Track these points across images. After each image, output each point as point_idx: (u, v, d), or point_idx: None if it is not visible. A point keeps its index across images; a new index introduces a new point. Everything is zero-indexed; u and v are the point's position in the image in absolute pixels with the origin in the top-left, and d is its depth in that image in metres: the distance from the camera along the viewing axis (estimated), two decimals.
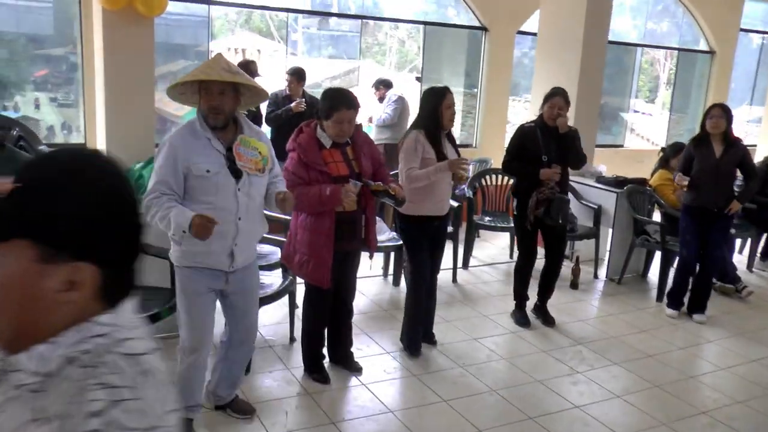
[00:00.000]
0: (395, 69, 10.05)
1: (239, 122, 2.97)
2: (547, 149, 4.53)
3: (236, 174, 2.88)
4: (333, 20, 9.23)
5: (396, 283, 5.57)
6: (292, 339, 4.33)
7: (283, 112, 6.19)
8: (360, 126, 3.64)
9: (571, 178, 5.11)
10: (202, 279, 2.96)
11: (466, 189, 6.23)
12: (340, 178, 3.43)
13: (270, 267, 4.37)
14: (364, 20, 8.70)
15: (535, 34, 7.33)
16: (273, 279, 4.22)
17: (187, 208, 2.76)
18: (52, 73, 7.02)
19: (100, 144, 4.70)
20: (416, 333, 4.26)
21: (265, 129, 5.75)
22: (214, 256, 2.92)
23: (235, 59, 6.79)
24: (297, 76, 6.35)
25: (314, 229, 3.46)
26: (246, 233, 2.96)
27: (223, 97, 2.82)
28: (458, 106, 7.62)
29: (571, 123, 4.65)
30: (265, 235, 4.42)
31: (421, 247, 4.09)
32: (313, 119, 3.58)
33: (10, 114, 6.82)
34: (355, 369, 3.93)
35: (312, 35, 9.54)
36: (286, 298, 4.25)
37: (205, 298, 3.02)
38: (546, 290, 4.93)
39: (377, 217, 5.42)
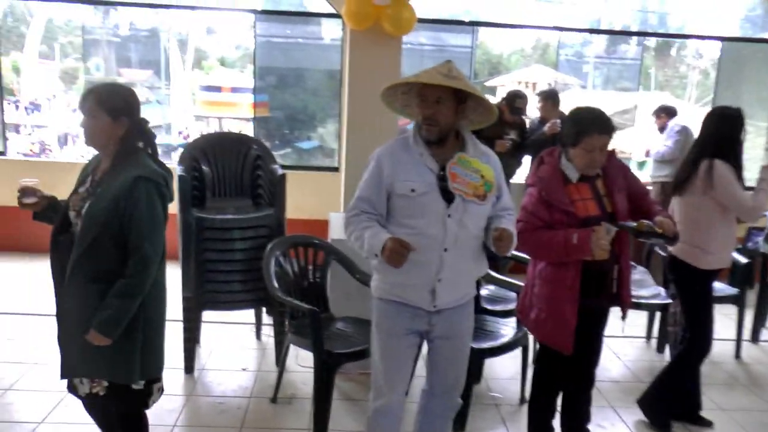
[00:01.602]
0: (695, 104, 8.95)
1: (464, 139, 2.51)
2: None
3: (448, 197, 2.42)
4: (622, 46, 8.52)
5: (660, 349, 4.59)
6: (522, 400, 3.71)
7: (537, 137, 5.63)
8: (613, 152, 2.93)
9: None
10: (400, 317, 2.53)
11: (761, 242, 4.99)
12: (590, 219, 2.76)
13: (505, 314, 3.83)
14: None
15: None
16: (506, 328, 3.65)
17: (384, 230, 2.40)
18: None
19: (343, 166, 4.60)
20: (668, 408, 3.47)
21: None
22: (413, 290, 2.48)
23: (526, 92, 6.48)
24: (551, 99, 5.77)
25: (555, 280, 2.83)
26: (453, 268, 2.46)
27: (438, 106, 2.39)
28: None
29: None
30: (501, 277, 3.98)
31: (710, 308, 3.36)
32: (556, 147, 2.96)
33: (305, 144, 7.34)
34: None
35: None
36: (518, 351, 3.65)
37: (401, 340, 2.57)
38: None
39: (642, 268, 4.58)
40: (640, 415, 3.58)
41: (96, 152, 2.48)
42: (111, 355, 2.33)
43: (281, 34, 8.20)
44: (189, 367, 3.86)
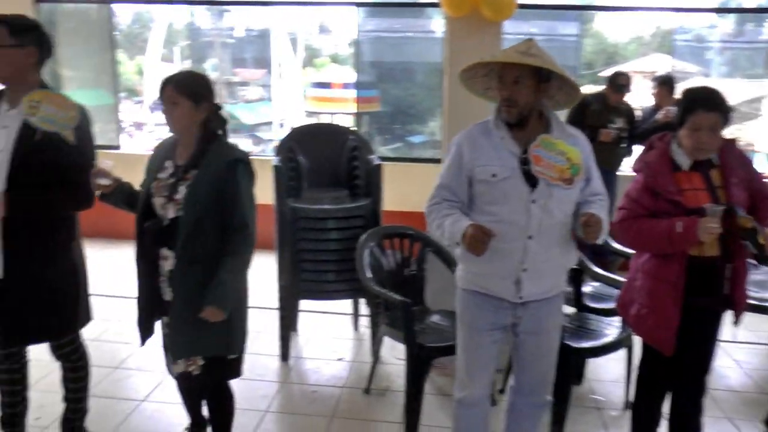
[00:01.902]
0: None
1: (548, 120, 2.37)
2: None
3: (532, 182, 2.28)
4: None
5: None
6: (626, 404, 3.47)
7: (649, 125, 5.28)
8: (733, 141, 2.66)
9: None
10: (483, 310, 2.43)
11: None
12: (698, 211, 2.51)
13: (608, 312, 3.61)
14: None
15: None
16: (610, 327, 3.44)
17: (465, 217, 2.31)
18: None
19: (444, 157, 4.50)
20: None
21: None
22: (496, 280, 2.37)
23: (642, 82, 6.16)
24: (666, 85, 5.39)
25: (657, 275, 2.61)
26: (539, 257, 2.32)
27: (517, 86, 2.27)
28: None
29: None
30: (606, 274, 3.75)
31: None
32: (667, 132, 2.73)
33: (416, 138, 7.36)
34: None
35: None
36: (624, 353, 3.42)
37: (484, 335, 2.46)
38: None
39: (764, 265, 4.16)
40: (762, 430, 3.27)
41: (160, 139, 2.61)
42: (220, 330, 2.43)
43: (390, 28, 8.24)
44: (284, 354, 3.92)
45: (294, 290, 3.84)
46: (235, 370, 2.61)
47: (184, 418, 2.91)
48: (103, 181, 2.47)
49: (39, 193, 2.52)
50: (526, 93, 2.28)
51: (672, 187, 2.55)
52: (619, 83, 5.32)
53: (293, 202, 3.80)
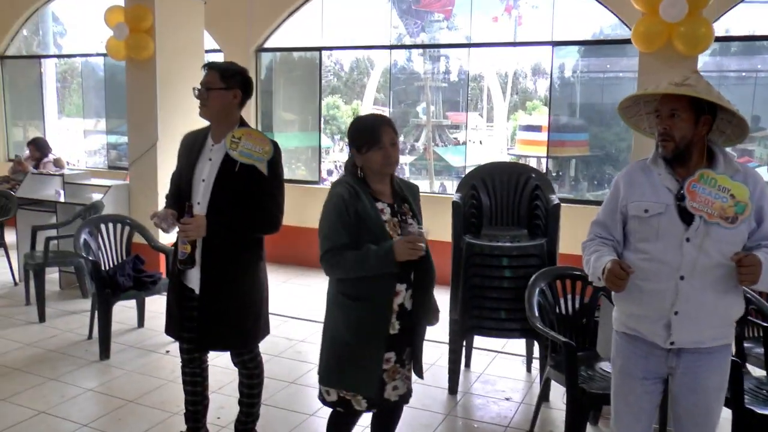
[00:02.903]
0: None
1: (715, 155, 2.21)
2: None
3: (687, 219, 2.14)
4: None
5: None
6: None
7: None
8: None
9: None
10: (635, 355, 2.31)
11: None
12: None
13: None
14: None
15: None
16: None
17: (612, 254, 2.25)
18: None
19: None
20: None
21: None
22: (646, 322, 2.25)
23: None
24: None
25: None
26: (692, 300, 2.15)
27: (673, 120, 2.16)
28: None
29: None
30: None
31: None
32: None
33: None
34: None
35: None
36: None
37: (636, 382, 2.32)
38: None
39: None
40: None
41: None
42: None
43: (599, 68, 8.08)
44: (453, 388, 3.96)
45: (464, 325, 3.90)
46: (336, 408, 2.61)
47: None
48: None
49: (235, 217, 2.89)
50: (682, 126, 2.18)
51: None
52: None
53: (469, 239, 3.88)
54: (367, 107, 9.94)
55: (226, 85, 2.93)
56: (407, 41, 9.33)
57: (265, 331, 3.14)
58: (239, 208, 2.89)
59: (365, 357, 2.45)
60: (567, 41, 6.71)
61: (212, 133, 2.99)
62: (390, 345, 2.48)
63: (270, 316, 3.16)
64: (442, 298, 3.94)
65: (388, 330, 2.45)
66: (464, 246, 3.83)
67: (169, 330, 3.15)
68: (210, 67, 2.97)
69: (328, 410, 2.61)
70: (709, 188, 2.12)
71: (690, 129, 2.18)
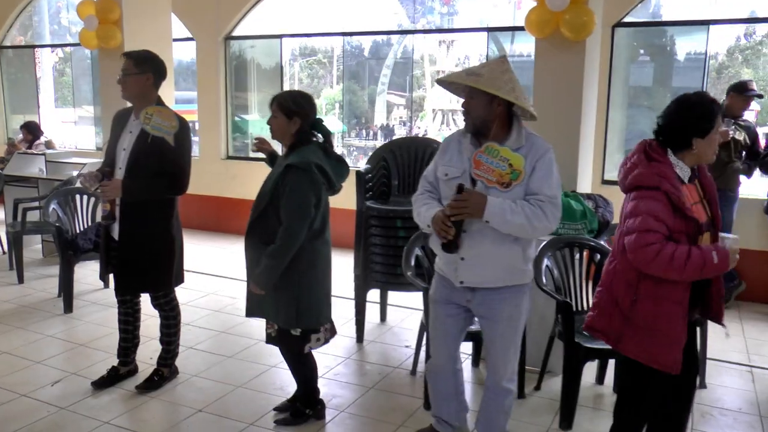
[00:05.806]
0: None
1: (511, 130, 2.64)
2: None
3: (474, 183, 2.62)
4: None
5: None
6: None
7: None
8: None
9: None
10: (441, 287, 2.86)
11: None
12: (703, 227, 2.49)
13: None
14: None
15: None
16: None
17: (437, 207, 2.70)
18: None
19: None
20: None
21: None
22: (445, 266, 2.80)
23: None
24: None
25: (664, 297, 2.47)
26: (473, 249, 2.65)
27: (471, 101, 2.62)
28: None
29: None
30: None
31: None
32: (646, 141, 2.59)
33: None
34: None
35: None
36: None
37: (442, 307, 2.87)
38: None
39: None
40: None
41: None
42: (273, 303, 3.07)
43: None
44: (359, 337, 4.52)
45: (366, 280, 4.41)
46: (294, 345, 3.14)
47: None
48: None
49: (145, 180, 3.44)
50: (476, 107, 2.60)
51: (686, 203, 2.44)
52: (749, 88, 5.08)
53: (371, 203, 4.38)
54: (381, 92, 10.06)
55: (140, 70, 3.46)
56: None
57: (177, 279, 3.71)
58: (151, 173, 3.43)
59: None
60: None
61: (135, 111, 3.53)
62: None
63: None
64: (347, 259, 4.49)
65: None
66: (364, 210, 4.34)
67: (102, 276, 3.76)
68: (127, 56, 3.50)
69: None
70: (492, 158, 2.53)
71: (483, 109, 2.58)
